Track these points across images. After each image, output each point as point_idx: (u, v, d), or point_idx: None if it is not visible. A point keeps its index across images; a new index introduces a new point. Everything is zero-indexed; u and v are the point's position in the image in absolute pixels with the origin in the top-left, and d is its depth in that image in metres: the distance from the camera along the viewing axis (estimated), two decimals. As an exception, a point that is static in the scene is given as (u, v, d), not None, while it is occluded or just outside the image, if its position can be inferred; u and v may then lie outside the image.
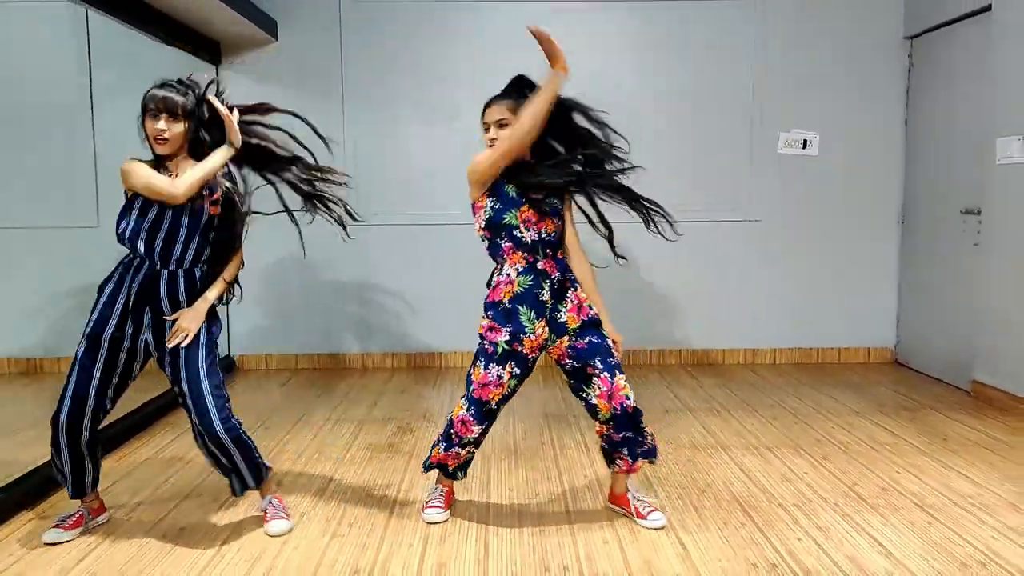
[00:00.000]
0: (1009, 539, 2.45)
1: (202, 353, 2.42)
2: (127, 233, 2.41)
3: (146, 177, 2.35)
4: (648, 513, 2.57)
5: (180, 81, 2.48)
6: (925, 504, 2.73)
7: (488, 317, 2.50)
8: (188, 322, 2.42)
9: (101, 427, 2.50)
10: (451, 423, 2.56)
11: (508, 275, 2.48)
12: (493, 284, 2.53)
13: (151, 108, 2.37)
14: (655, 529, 2.53)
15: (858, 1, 4.89)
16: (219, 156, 2.42)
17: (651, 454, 2.57)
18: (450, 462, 2.63)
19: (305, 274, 4.96)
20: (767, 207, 4.99)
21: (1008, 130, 3.90)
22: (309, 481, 2.99)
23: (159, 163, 2.45)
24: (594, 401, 2.47)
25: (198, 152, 2.47)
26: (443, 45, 4.87)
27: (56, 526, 2.50)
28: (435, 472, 2.74)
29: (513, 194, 2.47)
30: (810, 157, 4.99)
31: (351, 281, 5.01)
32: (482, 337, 2.50)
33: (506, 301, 2.46)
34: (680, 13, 4.88)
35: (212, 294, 2.50)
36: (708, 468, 3.10)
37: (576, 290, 2.54)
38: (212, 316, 2.51)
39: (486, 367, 2.47)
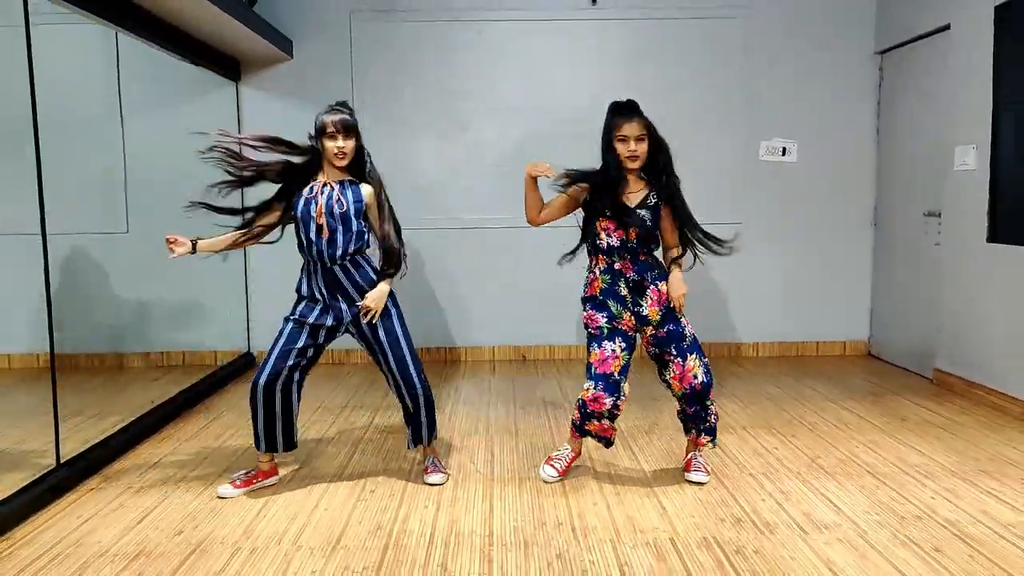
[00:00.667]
0: (945, 499, 2.82)
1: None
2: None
3: None
4: (694, 470, 3.03)
5: (340, 103, 2.97)
6: (876, 472, 3.10)
7: (587, 308, 2.97)
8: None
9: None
10: (583, 405, 2.93)
11: (596, 273, 2.97)
12: (586, 281, 3.01)
13: (329, 132, 2.86)
14: (695, 483, 2.98)
15: (833, 19, 5.27)
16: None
17: (711, 433, 3.02)
18: (609, 432, 3.01)
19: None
20: (750, 210, 5.37)
21: (964, 139, 4.28)
22: (333, 458, 3.36)
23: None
24: (670, 381, 2.93)
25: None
26: (449, 61, 5.25)
27: (230, 482, 2.96)
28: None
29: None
30: (789, 163, 5.36)
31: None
32: (587, 326, 2.96)
33: (598, 295, 2.95)
34: (670, 29, 5.25)
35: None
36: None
37: (656, 286, 2.93)
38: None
39: (600, 345, 2.90)
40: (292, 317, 2.97)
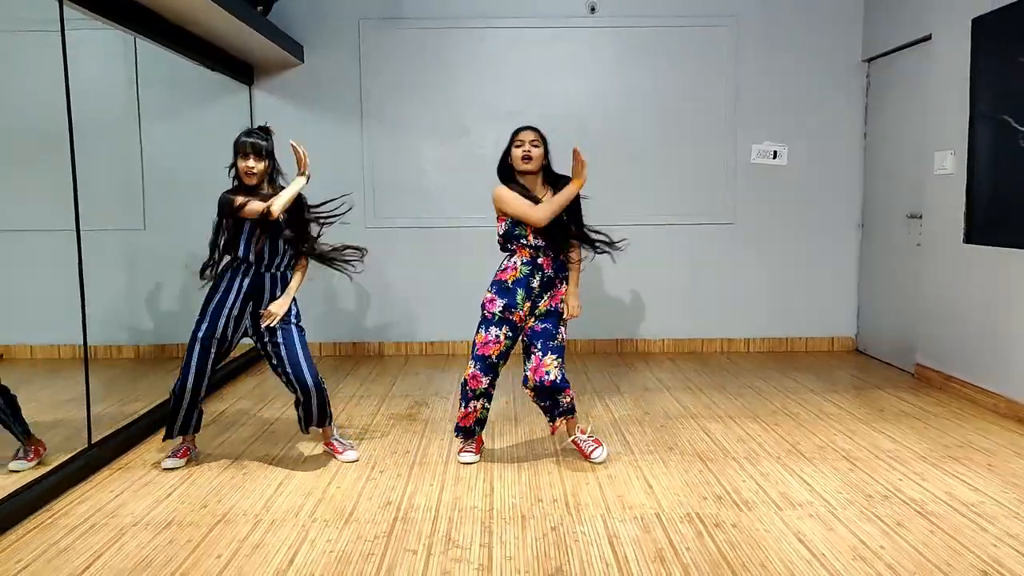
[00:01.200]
0: (912, 480, 3.04)
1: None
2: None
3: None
4: (591, 452, 3.28)
5: (262, 128, 3.24)
6: (851, 457, 3.32)
7: (491, 291, 3.23)
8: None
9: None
10: (464, 383, 3.24)
11: (515, 263, 3.22)
12: (503, 267, 3.24)
13: (242, 151, 3.16)
14: (599, 463, 3.25)
15: (822, 27, 5.49)
16: (298, 183, 3.15)
17: (570, 412, 3.29)
18: (469, 420, 3.29)
19: (327, 271, 5.55)
20: (741, 211, 5.59)
21: (943, 145, 4.50)
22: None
23: (248, 192, 3.19)
24: (527, 373, 3.19)
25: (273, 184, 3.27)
26: (452, 67, 5.47)
27: (170, 456, 3.27)
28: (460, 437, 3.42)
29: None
30: (779, 166, 5.58)
31: (370, 278, 5.60)
32: (483, 307, 3.23)
33: (509, 282, 3.19)
34: (664, 35, 5.48)
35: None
36: (677, 431, 3.70)
37: (560, 288, 3.25)
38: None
39: (486, 330, 3.20)
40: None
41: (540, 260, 3.19)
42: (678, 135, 5.56)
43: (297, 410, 3.31)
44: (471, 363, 3.22)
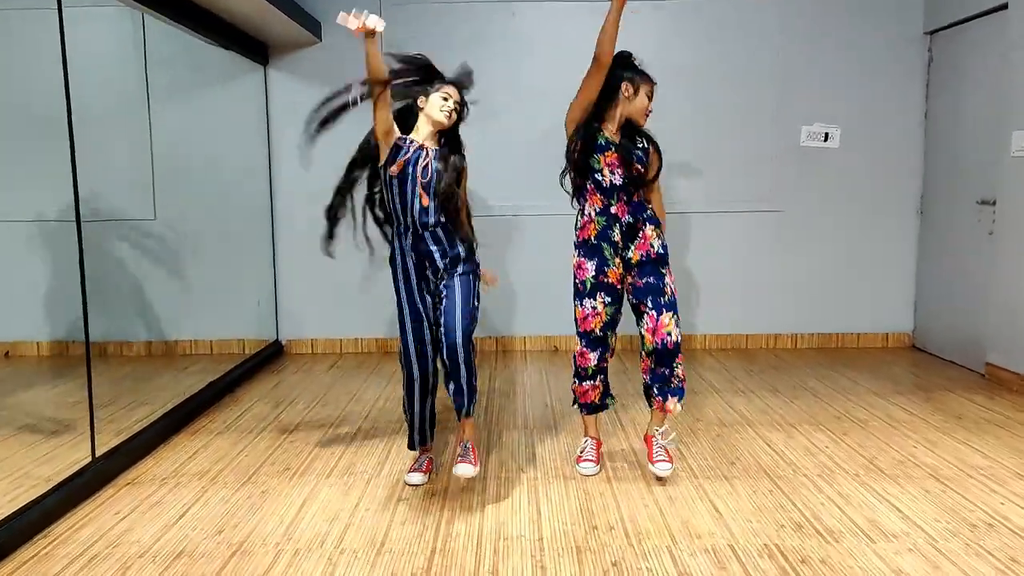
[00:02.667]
0: (1016, 504, 2.69)
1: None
2: None
3: None
4: (657, 460, 2.90)
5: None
6: (939, 475, 2.97)
7: (578, 255, 2.95)
8: None
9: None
10: (574, 358, 3.02)
11: (590, 215, 2.89)
12: (580, 224, 2.94)
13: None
14: (658, 477, 2.91)
15: (879, -2, 5.08)
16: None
17: (678, 393, 2.91)
18: (589, 397, 3.02)
19: (349, 262, 5.22)
20: (790, 198, 5.20)
21: (1021, 124, 4.09)
22: (370, 452, 3.27)
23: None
24: (643, 333, 2.86)
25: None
26: (480, 46, 5.10)
27: (414, 470, 2.95)
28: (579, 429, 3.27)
29: (602, 141, 2.86)
30: (831, 149, 5.19)
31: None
32: (574, 275, 2.96)
33: (593, 238, 2.89)
34: (703, 9, 5.08)
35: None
36: (736, 442, 3.36)
37: (647, 229, 2.89)
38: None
39: (581, 303, 2.93)
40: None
41: (613, 208, 2.87)
42: (720, 116, 5.16)
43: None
44: (577, 339, 2.97)
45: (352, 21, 2.57)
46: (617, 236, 2.87)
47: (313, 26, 4.96)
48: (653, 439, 2.96)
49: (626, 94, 2.89)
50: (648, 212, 2.93)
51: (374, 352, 5.27)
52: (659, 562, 2.32)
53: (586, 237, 2.91)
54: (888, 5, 5.07)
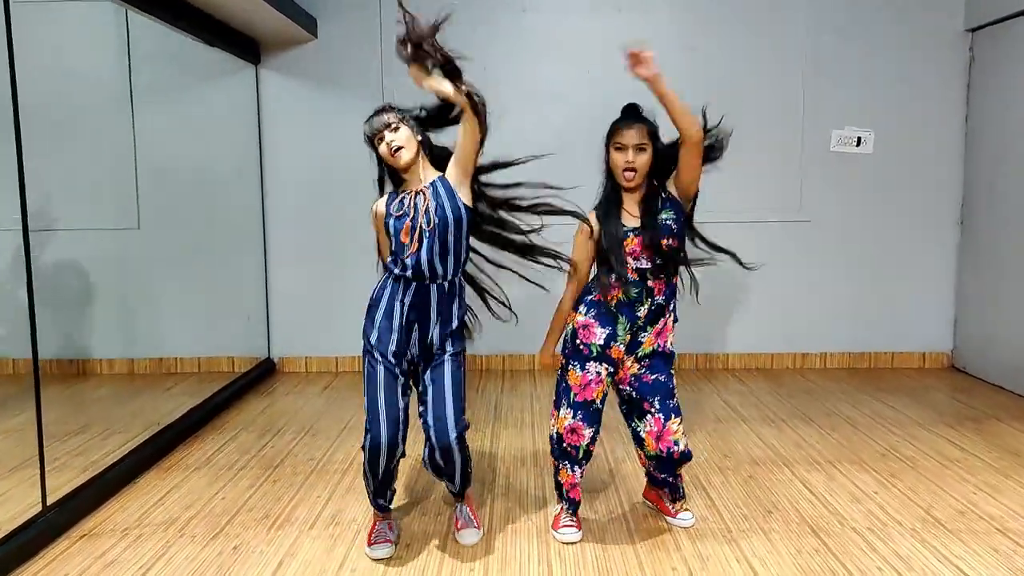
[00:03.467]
0: (1104, 571, 2.32)
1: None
2: None
3: None
4: (677, 512, 2.64)
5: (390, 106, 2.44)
6: (1006, 528, 2.60)
7: (587, 314, 2.47)
8: None
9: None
10: (559, 439, 2.52)
11: (622, 279, 2.40)
12: (606, 284, 2.44)
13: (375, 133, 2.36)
14: (684, 527, 2.61)
15: (916, -9, 4.71)
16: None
17: (682, 498, 2.68)
18: (578, 491, 2.58)
19: (344, 277, 4.89)
20: (818, 207, 4.84)
21: (1083, 129, 3.72)
22: (361, 495, 2.91)
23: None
24: (643, 435, 2.50)
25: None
26: (489, 42, 4.76)
27: (377, 543, 2.45)
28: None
29: (618, 233, 2.43)
30: (864, 155, 4.82)
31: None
32: (575, 336, 2.48)
33: (613, 305, 2.43)
34: (727, 5, 4.72)
35: None
36: (771, 486, 2.99)
37: (669, 321, 2.51)
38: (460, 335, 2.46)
39: (583, 368, 2.47)
40: None
41: (650, 282, 2.44)
42: (744, 120, 4.73)
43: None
44: (566, 412, 2.48)
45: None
46: (642, 314, 2.44)
47: (308, 22, 4.63)
48: (660, 494, 2.70)
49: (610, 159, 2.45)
50: (675, 303, 2.52)
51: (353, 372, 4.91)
52: (694, 648, 1.96)
53: (606, 300, 2.45)
54: (926, 1, 4.70)
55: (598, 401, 2.49)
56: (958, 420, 3.80)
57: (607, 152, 2.46)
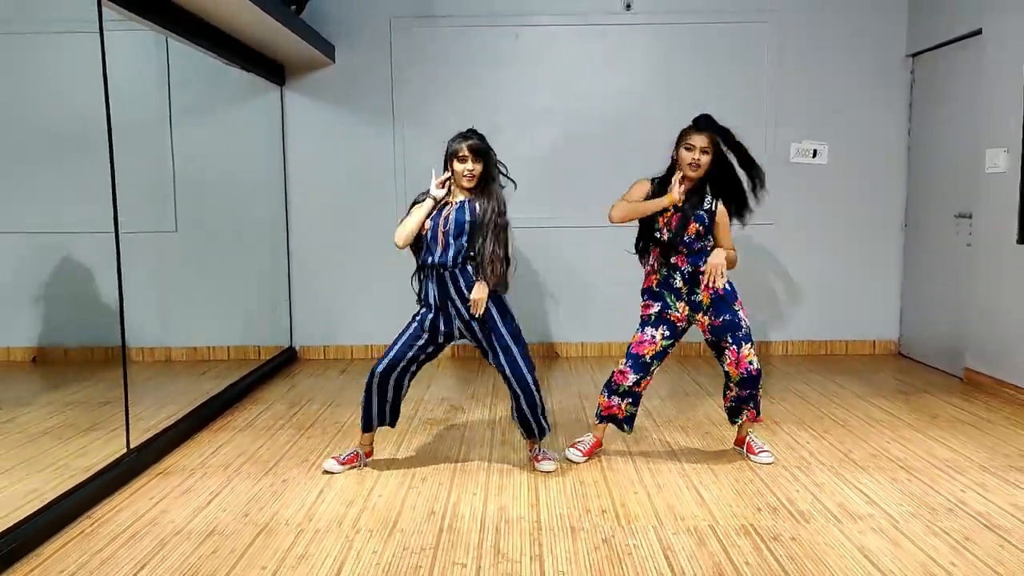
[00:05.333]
0: (976, 492, 2.92)
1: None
2: None
3: None
4: (759, 451, 3.29)
5: (471, 130, 3.23)
6: (908, 466, 3.20)
7: (644, 298, 3.25)
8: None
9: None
10: (612, 375, 3.27)
11: (653, 265, 3.20)
12: (646, 273, 3.25)
13: (459, 154, 3.10)
14: (764, 464, 3.23)
15: (865, 21, 5.34)
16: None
17: (757, 403, 3.32)
18: (616, 411, 3.28)
19: (358, 275, 5.50)
20: (781, 211, 5.45)
21: (995, 142, 4.35)
22: (381, 449, 3.50)
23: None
24: (726, 368, 3.19)
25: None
26: (486, 65, 5.39)
27: (333, 458, 3.22)
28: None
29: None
30: (820, 165, 5.45)
31: (406, 287, 5.54)
32: (641, 315, 3.23)
33: (655, 287, 3.20)
34: (700, 33, 5.36)
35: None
36: (723, 439, 3.59)
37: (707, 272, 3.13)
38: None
39: (642, 330, 3.21)
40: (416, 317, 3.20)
41: (674, 259, 3.14)
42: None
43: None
44: (623, 360, 3.22)
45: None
46: (680, 283, 3.15)
47: (327, 49, 5.26)
48: (747, 438, 3.34)
49: (678, 156, 3.15)
50: (704, 258, 3.14)
51: (383, 358, 5.52)
52: (645, 539, 2.56)
53: (649, 285, 3.22)
54: (874, 28, 5.35)
55: (647, 357, 3.18)
56: (892, 393, 4.41)
57: (676, 150, 3.15)
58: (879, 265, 5.51)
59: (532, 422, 3.18)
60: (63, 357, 5.09)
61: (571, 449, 3.32)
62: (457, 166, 3.10)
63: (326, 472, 3.17)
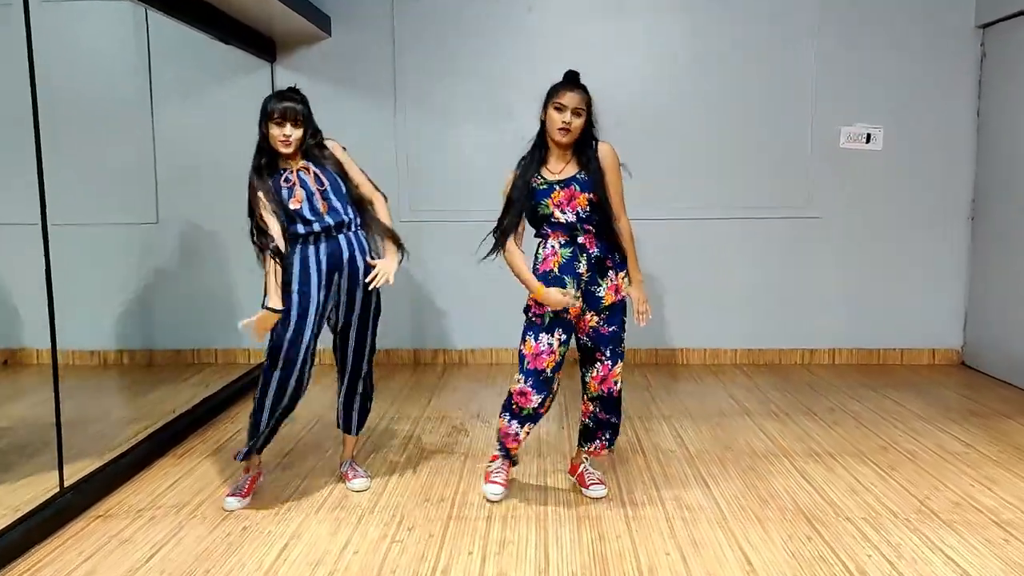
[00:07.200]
0: (1095, 561, 2.34)
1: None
2: None
3: None
4: (591, 484, 2.83)
5: (291, 89, 2.82)
6: (1002, 521, 2.62)
7: (536, 289, 2.65)
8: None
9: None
10: (510, 395, 2.74)
11: (552, 248, 2.66)
12: (540, 258, 2.70)
13: (274, 117, 2.68)
14: (594, 499, 2.79)
15: (926, -13, 4.70)
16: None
17: (614, 439, 2.88)
18: (510, 443, 2.79)
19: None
20: (828, 203, 4.85)
21: (1091, 124, 3.71)
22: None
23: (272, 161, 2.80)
24: (588, 379, 2.75)
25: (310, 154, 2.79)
26: (496, 42, 4.83)
27: (232, 495, 2.78)
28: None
29: (544, 186, 2.65)
30: (874, 151, 4.82)
31: (404, 278, 5.01)
32: (528, 311, 2.70)
33: (555, 270, 2.63)
34: (734, 3, 4.74)
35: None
36: (770, 476, 3.03)
37: (616, 274, 2.67)
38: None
39: (536, 338, 2.66)
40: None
41: (581, 239, 2.63)
42: (752, 117, 4.82)
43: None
44: (519, 377, 2.70)
45: None
46: (583, 268, 2.63)
47: (322, 21, 4.72)
48: (583, 469, 2.89)
49: (547, 118, 2.66)
50: (619, 258, 2.69)
51: (385, 363, 5.01)
52: (681, 628, 2.02)
53: (547, 269, 2.65)
54: (937, -5, 4.70)
55: (548, 371, 2.66)
56: (963, 415, 3.81)
57: (544, 111, 2.65)
58: (941, 263, 4.87)
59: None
60: (34, 360, 4.65)
61: (488, 485, 2.82)
62: (273, 129, 2.71)
63: (226, 510, 2.74)
